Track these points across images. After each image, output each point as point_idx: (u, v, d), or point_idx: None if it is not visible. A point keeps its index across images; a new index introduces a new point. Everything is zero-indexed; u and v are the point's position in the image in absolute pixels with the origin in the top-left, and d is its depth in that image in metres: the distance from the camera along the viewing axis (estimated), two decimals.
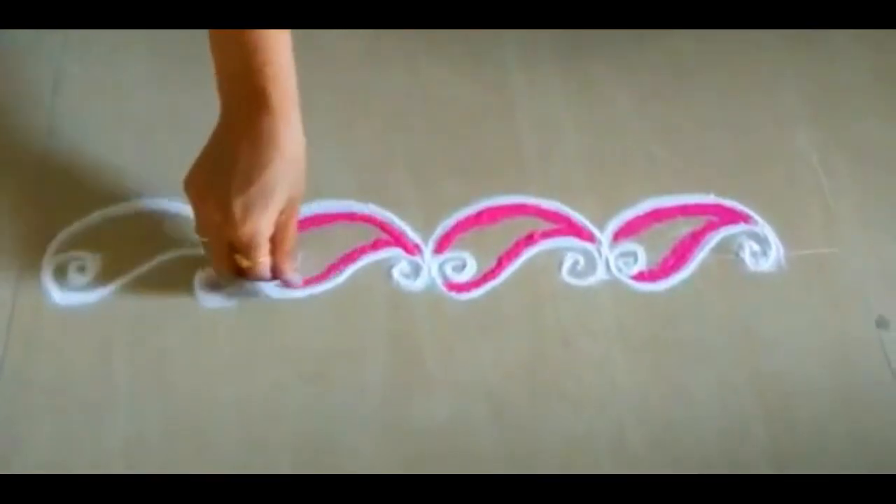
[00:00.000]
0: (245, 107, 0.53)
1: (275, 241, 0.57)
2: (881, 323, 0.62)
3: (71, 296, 0.59)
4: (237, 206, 0.53)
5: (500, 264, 0.63)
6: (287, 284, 0.60)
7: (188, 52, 0.67)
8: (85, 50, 0.65)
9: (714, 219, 0.66)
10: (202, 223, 0.57)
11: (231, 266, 0.57)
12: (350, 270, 0.62)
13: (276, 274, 0.58)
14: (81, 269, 0.60)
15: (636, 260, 0.64)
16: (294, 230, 0.58)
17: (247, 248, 0.55)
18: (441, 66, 0.72)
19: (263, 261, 0.56)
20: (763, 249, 0.65)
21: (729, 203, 0.66)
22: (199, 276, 0.61)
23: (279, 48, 0.53)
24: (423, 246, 0.63)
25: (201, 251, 0.61)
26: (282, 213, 0.56)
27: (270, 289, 0.60)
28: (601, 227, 0.65)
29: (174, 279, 0.61)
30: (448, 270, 0.62)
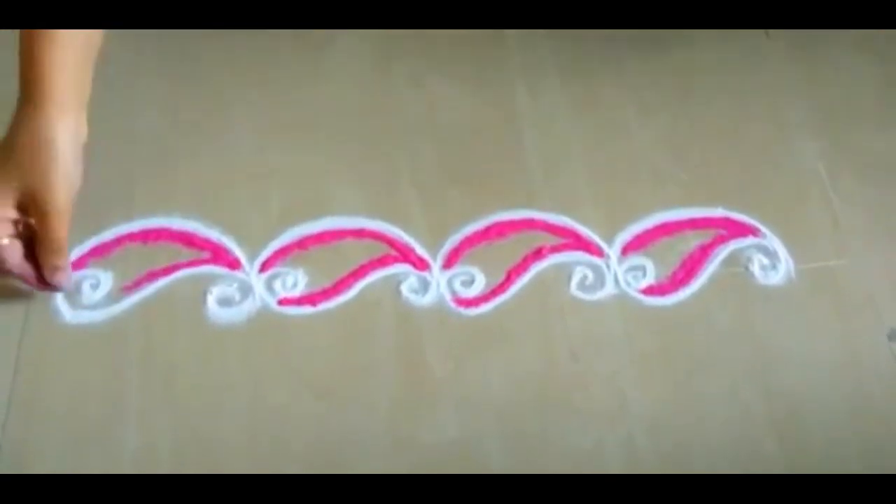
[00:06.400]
0: (20, 99, 0.54)
1: (35, 239, 0.55)
2: (893, 336, 0.61)
3: (82, 313, 0.60)
4: None
5: (508, 279, 0.63)
6: (53, 287, 0.58)
7: (198, 66, 0.68)
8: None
9: (723, 232, 0.66)
10: None
11: None
12: (359, 286, 0.62)
13: (39, 273, 0.57)
14: (95, 287, 0.61)
15: (645, 274, 0.64)
16: (55, 229, 0.55)
17: None
18: (447, 83, 0.73)
19: (9, 255, 0.55)
20: (772, 262, 0.64)
21: (737, 216, 0.66)
22: (212, 294, 0.61)
23: (49, 47, 0.53)
24: (431, 261, 0.63)
25: (210, 269, 0.62)
26: (30, 207, 0.54)
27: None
28: (609, 242, 0.65)
29: (185, 296, 0.61)
30: (456, 285, 0.63)
